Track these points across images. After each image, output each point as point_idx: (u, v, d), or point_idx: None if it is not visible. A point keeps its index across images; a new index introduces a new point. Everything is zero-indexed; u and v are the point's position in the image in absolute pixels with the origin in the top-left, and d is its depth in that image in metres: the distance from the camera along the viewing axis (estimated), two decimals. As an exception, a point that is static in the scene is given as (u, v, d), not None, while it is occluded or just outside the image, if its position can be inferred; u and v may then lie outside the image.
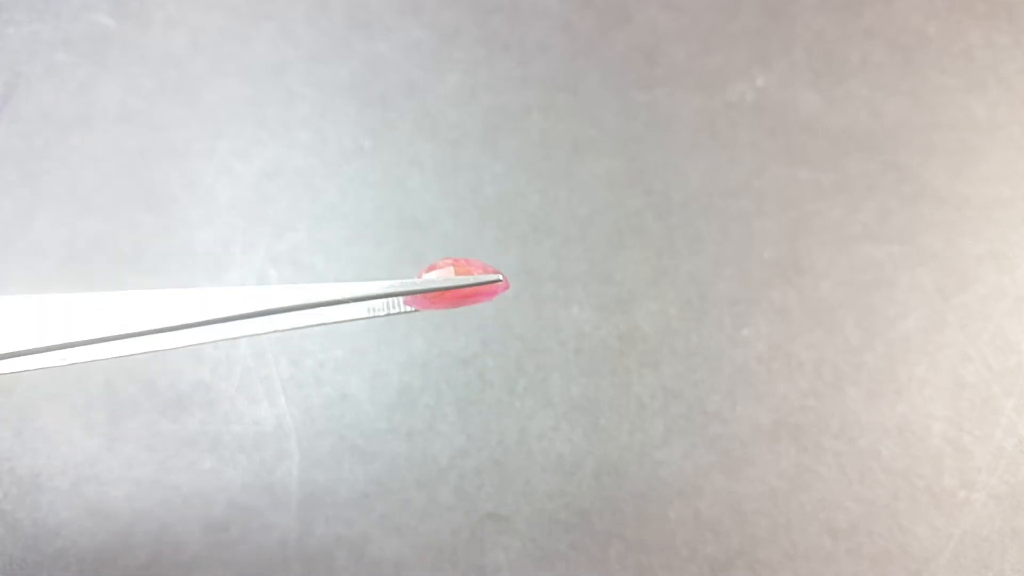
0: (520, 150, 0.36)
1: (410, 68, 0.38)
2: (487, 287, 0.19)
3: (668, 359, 0.33)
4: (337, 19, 0.39)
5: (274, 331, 0.18)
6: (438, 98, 0.37)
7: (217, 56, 0.38)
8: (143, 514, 0.31)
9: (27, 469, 0.31)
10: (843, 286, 0.34)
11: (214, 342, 0.18)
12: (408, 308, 0.19)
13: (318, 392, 0.33)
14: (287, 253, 0.35)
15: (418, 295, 0.18)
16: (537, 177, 0.36)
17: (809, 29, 0.39)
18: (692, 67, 0.38)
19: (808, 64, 0.38)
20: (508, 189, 0.36)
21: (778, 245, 0.35)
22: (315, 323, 0.18)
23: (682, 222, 0.35)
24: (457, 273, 0.19)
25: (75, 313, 0.17)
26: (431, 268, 0.19)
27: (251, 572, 0.30)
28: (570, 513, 0.31)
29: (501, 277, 0.19)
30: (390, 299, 0.18)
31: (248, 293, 0.17)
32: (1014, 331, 0.33)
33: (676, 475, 0.32)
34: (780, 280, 0.34)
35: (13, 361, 0.16)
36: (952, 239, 0.35)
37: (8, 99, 0.37)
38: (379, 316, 0.18)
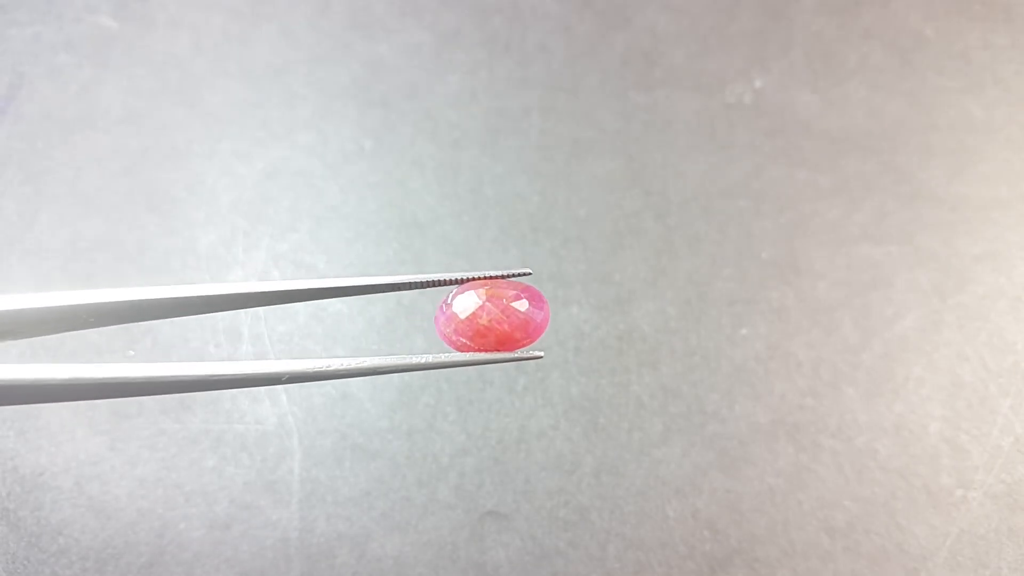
0: (520, 151, 0.37)
1: (411, 70, 0.38)
2: (533, 322, 0.18)
3: (667, 358, 0.33)
4: (338, 21, 0.39)
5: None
6: (439, 100, 0.37)
7: (219, 57, 0.38)
8: (146, 512, 0.31)
9: (30, 467, 0.32)
10: (841, 286, 0.34)
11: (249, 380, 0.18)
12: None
13: (319, 391, 0.33)
14: (289, 253, 0.35)
15: (459, 343, 0.18)
16: (537, 178, 0.36)
17: (807, 30, 0.39)
18: (691, 69, 0.38)
19: (806, 65, 0.38)
20: (508, 190, 0.36)
21: (776, 245, 0.35)
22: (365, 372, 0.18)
23: (681, 223, 0.35)
24: (490, 297, 0.18)
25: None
26: (463, 290, 0.19)
27: (253, 569, 0.30)
28: (569, 511, 0.31)
29: (541, 354, 0.19)
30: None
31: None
32: (1011, 331, 0.34)
33: (674, 473, 0.32)
34: (778, 280, 0.34)
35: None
36: (949, 239, 0.35)
37: (11, 100, 0.37)
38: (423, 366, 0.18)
